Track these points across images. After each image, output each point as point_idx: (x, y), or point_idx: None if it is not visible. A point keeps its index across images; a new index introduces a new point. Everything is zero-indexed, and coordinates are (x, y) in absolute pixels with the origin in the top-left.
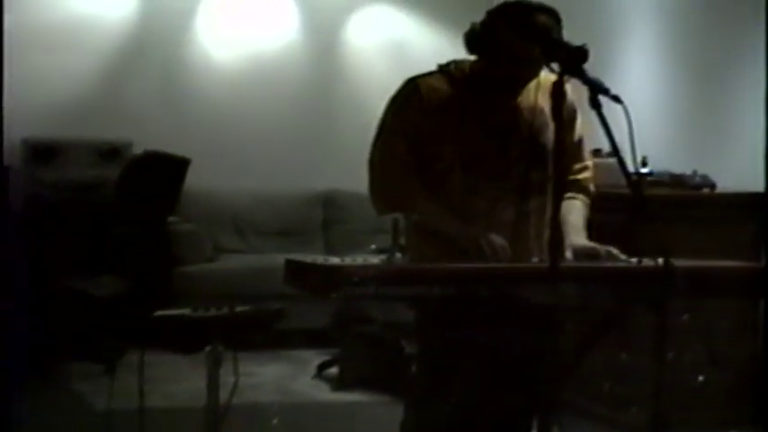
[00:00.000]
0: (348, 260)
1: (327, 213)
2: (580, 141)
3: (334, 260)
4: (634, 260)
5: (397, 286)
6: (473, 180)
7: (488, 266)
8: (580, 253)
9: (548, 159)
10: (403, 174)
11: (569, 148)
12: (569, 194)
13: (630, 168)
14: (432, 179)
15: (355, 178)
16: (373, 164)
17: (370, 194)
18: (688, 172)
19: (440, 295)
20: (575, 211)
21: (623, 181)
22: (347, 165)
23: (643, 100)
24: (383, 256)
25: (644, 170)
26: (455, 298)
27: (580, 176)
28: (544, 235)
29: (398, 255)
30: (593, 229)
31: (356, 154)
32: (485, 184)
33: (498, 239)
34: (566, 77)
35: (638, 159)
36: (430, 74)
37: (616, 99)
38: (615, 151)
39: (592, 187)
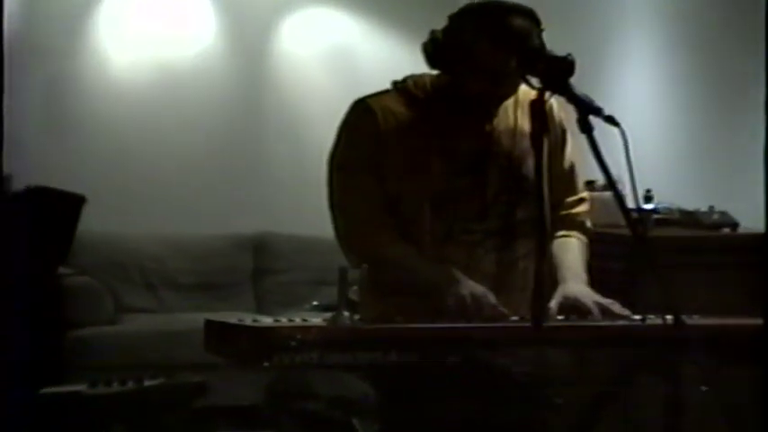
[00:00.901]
0: (284, 320)
1: (258, 261)
2: (572, 169)
3: (267, 320)
4: (637, 318)
5: (346, 353)
6: (445, 223)
7: (459, 328)
8: (577, 303)
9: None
10: (377, 214)
11: (559, 178)
12: (562, 233)
13: (631, 204)
14: (395, 223)
15: (291, 219)
16: (338, 207)
17: (339, 242)
18: (703, 208)
19: (400, 363)
20: (570, 251)
21: (622, 219)
22: (281, 202)
23: (645, 122)
24: (328, 315)
25: (648, 206)
26: (420, 367)
27: (574, 211)
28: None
29: (346, 314)
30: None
31: (292, 189)
32: (459, 227)
33: (485, 293)
34: (548, 94)
35: (640, 193)
36: (384, 93)
37: (611, 121)
38: (611, 183)
39: (589, 223)
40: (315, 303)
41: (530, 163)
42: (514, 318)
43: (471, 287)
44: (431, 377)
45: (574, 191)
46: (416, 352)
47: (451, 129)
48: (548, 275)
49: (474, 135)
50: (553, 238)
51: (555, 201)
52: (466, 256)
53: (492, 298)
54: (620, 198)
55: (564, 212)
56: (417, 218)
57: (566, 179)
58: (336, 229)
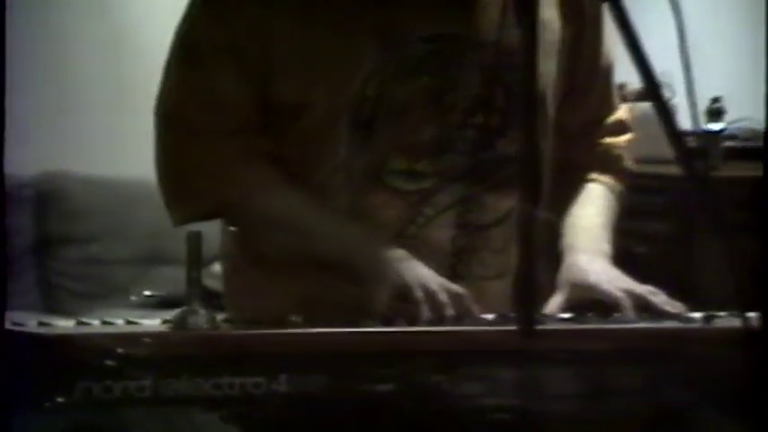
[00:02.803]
0: (94, 323)
1: (43, 223)
2: (608, 73)
3: (63, 323)
4: (697, 316)
5: (201, 377)
6: (371, 157)
7: (398, 334)
8: (596, 293)
9: (542, 106)
10: (245, 136)
11: (585, 86)
12: (590, 175)
13: (684, 123)
14: (278, 156)
15: (97, 151)
16: (168, 121)
17: (160, 184)
18: None
19: (296, 395)
20: (591, 205)
21: (670, 149)
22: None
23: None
24: (172, 313)
25: (714, 125)
26: (330, 399)
27: (608, 141)
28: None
29: (202, 311)
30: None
31: (97, 111)
32: (397, 165)
33: (464, 294)
34: None
35: (702, 105)
36: None
37: None
38: (651, 87)
39: (630, 162)
40: (147, 294)
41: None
42: (487, 316)
43: (440, 280)
44: (348, 417)
45: (609, 108)
46: (325, 375)
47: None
48: (546, 249)
49: (438, 11)
50: (566, 185)
51: (577, 122)
52: (404, 216)
53: (471, 303)
54: (666, 113)
55: (589, 142)
56: (321, 146)
57: (598, 89)
58: (165, 160)
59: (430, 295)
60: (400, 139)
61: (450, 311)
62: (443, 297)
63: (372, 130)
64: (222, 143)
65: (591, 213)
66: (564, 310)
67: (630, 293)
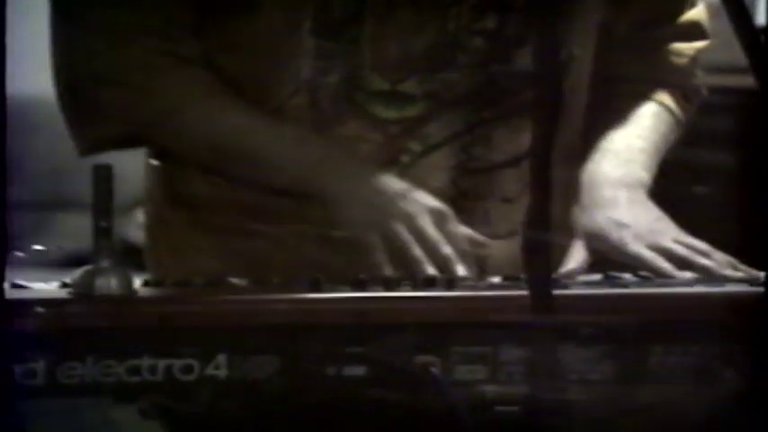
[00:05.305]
0: None
1: None
2: None
3: None
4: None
5: (109, 359)
6: (340, 70)
7: (373, 299)
8: (611, 256)
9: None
10: (155, 37)
11: None
12: (643, 90)
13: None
14: (236, 70)
15: None
16: (69, 17)
17: (60, 100)
18: None
19: (238, 380)
20: (633, 127)
21: (739, 53)
22: None
23: None
24: (77, 273)
25: None
26: (281, 388)
27: (674, 47)
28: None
29: (113, 271)
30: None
31: None
32: (370, 83)
33: (449, 213)
34: None
35: None
36: None
37: None
38: None
39: (697, 76)
40: (38, 248)
41: None
42: (495, 279)
43: (421, 198)
44: (307, 410)
45: (679, 4)
46: (276, 355)
47: None
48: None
49: None
50: (611, 103)
51: (631, 22)
52: (384, 152)
53: (470, 237)
54: (738, 5)
55: (647, 48)
56: (276, 58)
57: None
58: (66, 67)
59: (426, 242)
60: (380, 50)
61: (457, 269)
62: (448, 251)
63: (343, 36)
64: (140, 45)
65: (629, 134)
66: (588, 269)
67: (670, 254)
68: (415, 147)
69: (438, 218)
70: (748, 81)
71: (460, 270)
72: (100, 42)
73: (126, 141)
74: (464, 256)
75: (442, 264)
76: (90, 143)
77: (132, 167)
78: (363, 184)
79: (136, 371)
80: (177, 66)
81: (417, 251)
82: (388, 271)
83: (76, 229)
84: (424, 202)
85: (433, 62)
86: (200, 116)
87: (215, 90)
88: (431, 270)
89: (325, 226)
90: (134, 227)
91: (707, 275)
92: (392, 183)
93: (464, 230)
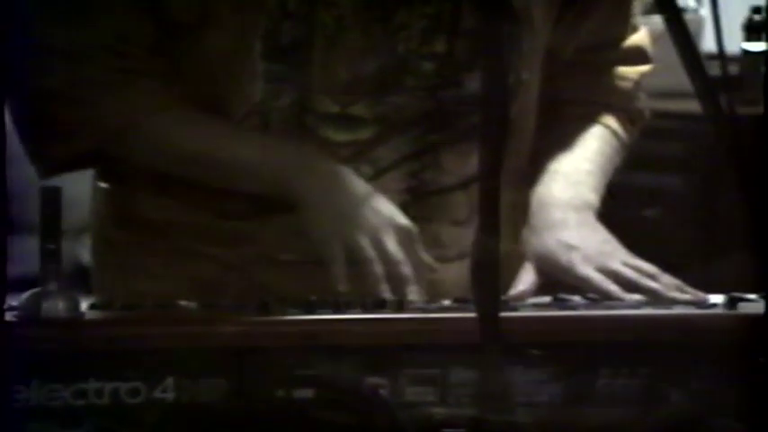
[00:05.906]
0: None
1: None
2: None
3: None
4: (716, 301)
5: (55, 383)
6: (301, 89)
7: (322, 321)
8: (561, 278)
9: (528, 28)
10: (112, 54)
11: None
12: (589, 114)
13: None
14: (190, 91)
15: None
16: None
17: (14, 120)
18: None
19: (180, 405)
20: (581, 150)
21: (689, 79)
22: None
23: None
24: (24, 297)
25: (753, 45)
26: (228, 411)
27: (618, 71)
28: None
29: (60, 294)
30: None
31: None
32: (320, 104)
33: (412, 235)
34: None
35: (737, 15)
36: None
37: None
38: None
39: (643, 101)
40: None
41: None
42: (444, 302)
43: (390, 213)
44: None
45: (622, 28)
46: (224, 378)
47: None
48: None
49: None
50: (557, 127)
51: (577, 46)
52: (352, 154)
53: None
54: (681, 26)
55: (591, 72)
56: (229, 80)
57: (608, 2)
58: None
59: (390, 271)
60: (330, 73)
61: (413, 291)
62: (407, 272)
63: (293, 59)
64: (97, 62)
65: (577, 156)
66: (537, 291)
67: (618, 277)
68: (366, 170)
69: (403, 236)
70: (693, 105)
71: (414, 293)
72: (53, 59)
73: (88, 160)
74: (420, 279)
75: (399, 284)
76: (51, 163)
77: (84, 189)
78: (335, 188)
79: (82, 394)
80: (134, 82)
81: (377, 268)
82: (343, 287)
83: (24, 252)
84: (391, 217)
85: (382, 85)
86: (159, 128)
87: (173, 103)
88: (386, 290)
89: (274, 249)
90: (86, 249)
91: (654, 298)
92: (363, 190)
93: (423, 253)
